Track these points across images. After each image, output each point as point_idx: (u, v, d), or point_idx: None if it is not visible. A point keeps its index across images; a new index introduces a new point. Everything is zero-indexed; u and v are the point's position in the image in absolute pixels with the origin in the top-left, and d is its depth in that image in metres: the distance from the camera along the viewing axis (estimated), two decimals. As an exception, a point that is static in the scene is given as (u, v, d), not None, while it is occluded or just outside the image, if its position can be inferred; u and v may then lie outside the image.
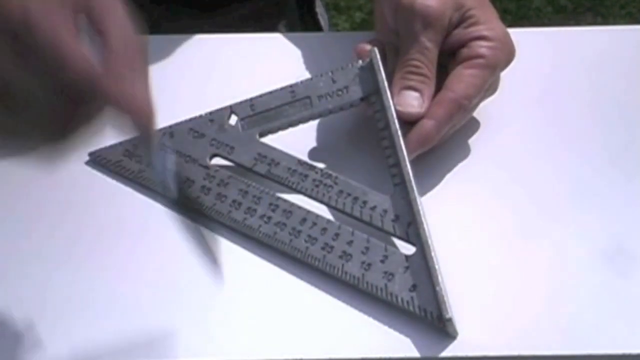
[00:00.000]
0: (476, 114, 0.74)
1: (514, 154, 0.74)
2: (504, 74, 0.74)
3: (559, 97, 0.77)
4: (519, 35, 0.74)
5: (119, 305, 0.65)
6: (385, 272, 0.65)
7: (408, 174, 0.67)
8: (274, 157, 0.70)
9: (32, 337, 0.64)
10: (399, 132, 0.69)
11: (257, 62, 0.80)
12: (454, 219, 0.69)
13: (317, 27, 0.99)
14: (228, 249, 0.68)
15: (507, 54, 0.73)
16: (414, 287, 0.64)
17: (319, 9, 0.99)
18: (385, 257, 0.65)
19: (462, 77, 0.71)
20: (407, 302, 0.63)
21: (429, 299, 0.63)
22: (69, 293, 0.66)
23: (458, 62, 0.72)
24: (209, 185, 0.70)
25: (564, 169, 0.73)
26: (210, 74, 0.79)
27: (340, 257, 0.66)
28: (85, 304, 0.65)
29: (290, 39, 0.82)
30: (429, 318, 0.63)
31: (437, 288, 0.63)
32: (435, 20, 0.72)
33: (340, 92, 0.72)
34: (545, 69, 0.79)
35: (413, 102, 0.71)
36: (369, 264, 0.65)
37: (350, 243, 0.66)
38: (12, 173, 0.72)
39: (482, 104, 0.73)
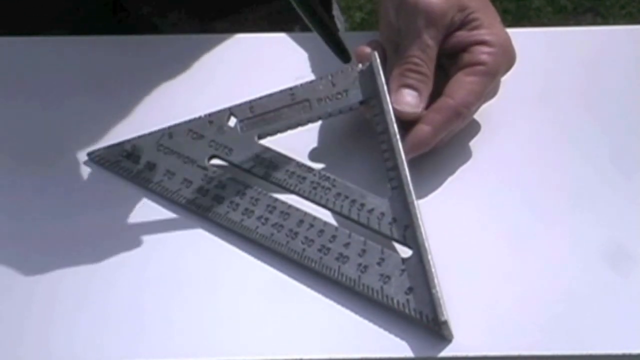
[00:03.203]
0: (475, 115, 0.74)
1: (513, 155, 0.73)
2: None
3: (559, 98, 0.77)
4: (519, 35, 0.74)
5: (118, 305, 0.65)
6: (382, 275, 0.65)
7: (406, 177, 0.67)
8: (273, 159, 0.70)
9: (29, 336, 0.64)
10: (398, 136, 0.69)
11: (258, 63, 0.80)
12: (452, 221, 0.69)
13: None
14: (225, 250, 0.68)
15: (508, 60, 0.73)
16: (410, 290, 0.64)
17: (336, 12, 0.99)
18: (382, 259, 0.65)
19: (462, 84, 0.71)
20: (403, 304, 0.63)
21: (425, 302, 0.63)
22: (67, 293, 0.66)
23: (459, 68, 0.72)
24: (207, 186, 0.70)
25: (562, 169, 0.72)
26: (210, 75, 0.79)
27: (337, 259, 0.66)
28: (83, 303, 0.65)
29: (294, 39, 0.82)
30: (424, 321, 0.63)
31: (433, 291, 0.63)
32: (438, 18, 0.72)
33: (339, 96, 0.72)
34: (545, 69, 0.79)
35: (411, 101, 0.70)
36: (366, 267, 0.65)
37: (347, 245, 0.66)
38: (10, 172, 0.72)
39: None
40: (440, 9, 0.72)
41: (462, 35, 0.73)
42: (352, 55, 0.73)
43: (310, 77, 0.76)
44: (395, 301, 0.64)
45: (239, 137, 0.72)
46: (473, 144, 0.74)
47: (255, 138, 0.72)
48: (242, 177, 0.70)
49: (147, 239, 0.69)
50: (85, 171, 0.73)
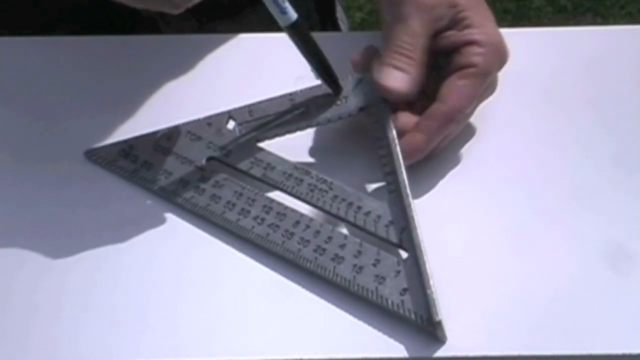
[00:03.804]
0: (474, 115, 0.73)
1: (513, 155, 0.73)
2: (502, 75, 0.73)
3: (559, 98, 0.77)
4: (519, 35, 0.74)
5: (116, 305, 0.65)
6: (377, 276, 0.65)
7: (404, 181, 0.67)
8: (270, 162, 0.70)
9: (33, 336, 0.64)
10: (396, 141, 0.69)
11: (258, 63, 0.80)
12: (450, 222, 0.69)
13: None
14: (221, 249, 0.68)
15: (500, 59, 0.72)
16: (404, 291, 0.64)
17: (339, 14, 0.99)
18: (378, 260, 0.65)
19: (454, 89, 0.70)
20: (398, 305, 0.63)
21: (420, 303, 0.63)
22: (65, 292, 0.66)
23: (451, 70, 0.71)
24: (204, 186, 0.70)
25: (562, 169, 0.72)
26: (210, 75, 0.79)
27: (332, 259, 0.66)
28: (82, 303, 0.66)
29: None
30: (418, 321, 0.63)
31: (428, 292, 0.63)
32: (426, 8, 0.71)
33: (339, 102, 0.72)
34: (545, 69, 0.79)
35: (396, 76, 0.70)
36: (361, 267, 0.65)
37: (342, 246, 0.66)
38: (9, 171, 0.72)
39: (480, 105, 0.73)
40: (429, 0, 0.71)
41: (452, 35, 0.72)
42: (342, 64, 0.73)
43: (310, 77, 0.75)
44: (389, 301, 0.64)
45: (237, 139, 0.72)
46: (472, 144, 0.74)
47: (254, 141, 0.72)
48: (239, 178, 0.70)
49: (143, 238, 0.69)
50: (83, 170, 0.73)
